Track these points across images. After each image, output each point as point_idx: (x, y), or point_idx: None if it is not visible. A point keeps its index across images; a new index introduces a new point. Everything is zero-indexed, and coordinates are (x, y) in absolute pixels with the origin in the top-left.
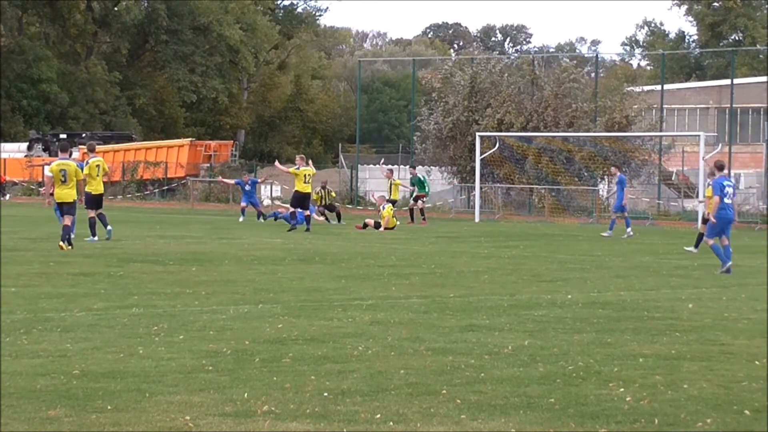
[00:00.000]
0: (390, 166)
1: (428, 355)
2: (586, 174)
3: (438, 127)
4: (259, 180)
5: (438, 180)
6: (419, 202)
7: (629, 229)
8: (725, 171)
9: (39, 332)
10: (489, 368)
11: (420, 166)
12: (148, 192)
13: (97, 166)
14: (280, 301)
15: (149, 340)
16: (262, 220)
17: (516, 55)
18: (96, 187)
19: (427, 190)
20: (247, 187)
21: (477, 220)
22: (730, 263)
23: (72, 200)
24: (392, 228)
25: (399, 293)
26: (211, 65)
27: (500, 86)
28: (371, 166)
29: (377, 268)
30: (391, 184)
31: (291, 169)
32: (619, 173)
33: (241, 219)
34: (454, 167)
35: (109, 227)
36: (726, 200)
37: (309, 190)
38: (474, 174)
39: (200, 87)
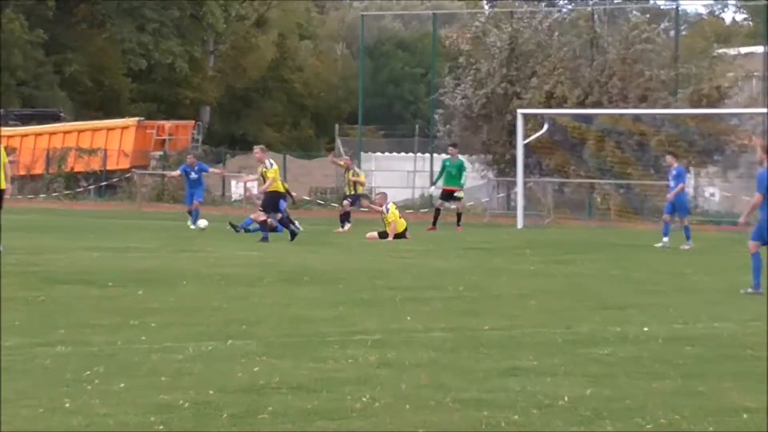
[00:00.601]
0: (347, 154)
1: (456, 408)
2: (665, 164)
3: (467, 103)
4: (212, 169)
5: (467, 173)
6: (454, 202)
7: (666, 239)
8: None
9: None
10: (539, 426)
11: (443, 154)
12: (80, 189)
13: None
14: (257, 335)
15: (79, 389)
16: (193, 226)
17: (570, 7)
18: None
19: (463, 182)
20: (193, 175)
21: (520, 225)
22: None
23: None
24: (403, 233)
25: (416, 324)
26: (167, 21)
27: (549, 48)
28: (378, 154)
29: (387, 291)
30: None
31: (268, 173)
32: (675, 163)
33: (192, 226)
34: (488, 156)
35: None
36: None
37: (282, 189)
38: (515, 165)
39: (151, 50)
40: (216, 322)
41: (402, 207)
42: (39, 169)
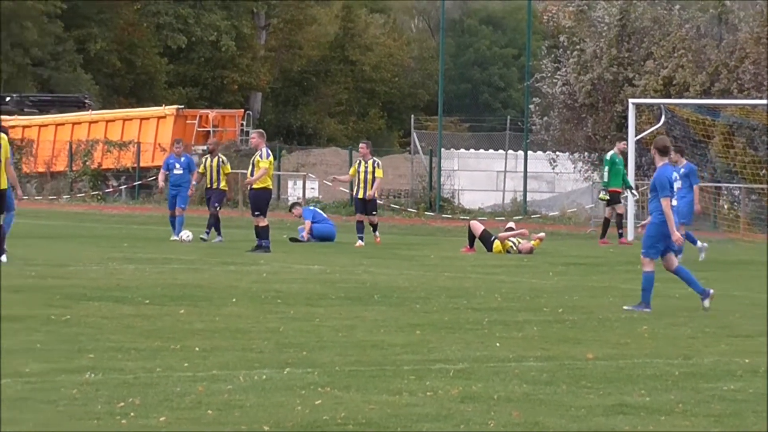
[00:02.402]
0: (365, 141)
1: None
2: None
3: (569, 90)
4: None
5: (569, 173)
6: (620, 205)
7: (703, 245)
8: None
9: None
10: None
11: (539, 152)
12: (110, 189)
13: None
14: (319, 363)
15: (112, 424)
16: (177, 238)
17: None
18: None
19: (628, 181)
20: (178, 170)
21: (631, 237)
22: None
23: None
24: (530, 251)
25: (506, 352)
26: None
27: (668, 25)
28: (462, 151)
29: (472, 313)
30: (366, 170)
31: (262, 162)
32: (685, 160)
33: (174, 237)
34: (593, 154)
35: (3, 257)
36: (672, 201)
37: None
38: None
39: (192, 25)
40: (271, 347)
41: (490, 213)
42: (61, 166)
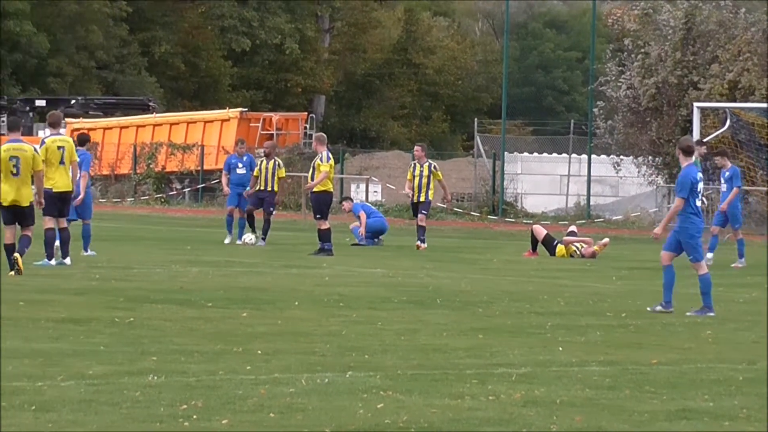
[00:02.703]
0: (420, 144)
1: None
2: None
3: (633, 94)
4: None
5: (632, 177)
6: None
7: (711, 255)
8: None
9: (3, 411)
10: None
11: (603, 156)
12: (173, 192)
13: (59, 148)
14: (381, 366)
15: (175, 426)
16: (239, 241)
17: None
18: (57, 182)
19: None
20: (241, 170)
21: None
22: None
23: (29, 203)
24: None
25: (569, 356)
26: None
27: (734, 28)
28: (526, 154)
29: (534, 317)
30: (422, 173)
31: (322, 166)
32: (730, 164)
33: (238, 241)
34: (657, 158)
35: (67, 259)
36: (696, 203)
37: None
38: None
39: (256, 28)
40: (333, 351)
41: (553, 218)
42: (125, 168)
